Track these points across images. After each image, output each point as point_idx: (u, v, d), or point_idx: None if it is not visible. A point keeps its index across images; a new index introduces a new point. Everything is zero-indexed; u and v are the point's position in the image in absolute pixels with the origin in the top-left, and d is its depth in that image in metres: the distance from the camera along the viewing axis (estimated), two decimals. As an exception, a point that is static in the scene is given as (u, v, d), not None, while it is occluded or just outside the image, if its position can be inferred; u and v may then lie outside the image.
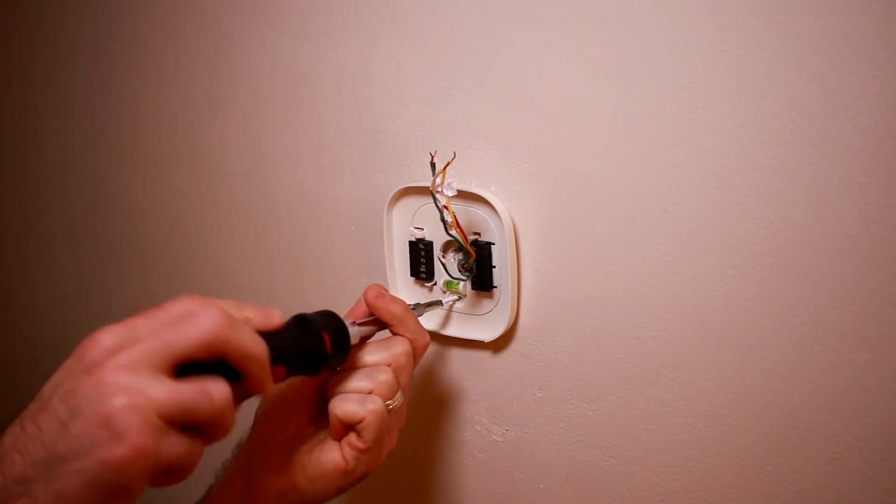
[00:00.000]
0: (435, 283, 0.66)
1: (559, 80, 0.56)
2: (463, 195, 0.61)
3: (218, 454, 0.57)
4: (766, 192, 0.50)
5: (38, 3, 0.99)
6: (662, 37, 0.51)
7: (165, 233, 0.91)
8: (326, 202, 0.74)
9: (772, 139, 0.49)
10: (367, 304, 0.56)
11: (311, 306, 0.79)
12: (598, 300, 0.58)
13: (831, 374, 0.50)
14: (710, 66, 0.50)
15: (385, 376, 0.53)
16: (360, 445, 0.52)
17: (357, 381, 0.53)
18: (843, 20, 0.45)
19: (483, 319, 0.64)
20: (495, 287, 0.62)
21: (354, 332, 0.53)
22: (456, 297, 0.64)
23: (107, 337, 0.40)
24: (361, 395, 0.52)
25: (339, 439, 0.53)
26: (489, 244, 0.61)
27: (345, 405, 0.52)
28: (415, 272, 0.66)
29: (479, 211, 0.61)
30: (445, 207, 0.58)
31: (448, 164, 0.57)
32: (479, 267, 0.62)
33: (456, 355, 0.68)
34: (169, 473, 0.40)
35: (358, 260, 0.73)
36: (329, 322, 0.51)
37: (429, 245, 0.65)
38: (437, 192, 0.57)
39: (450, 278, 0.64)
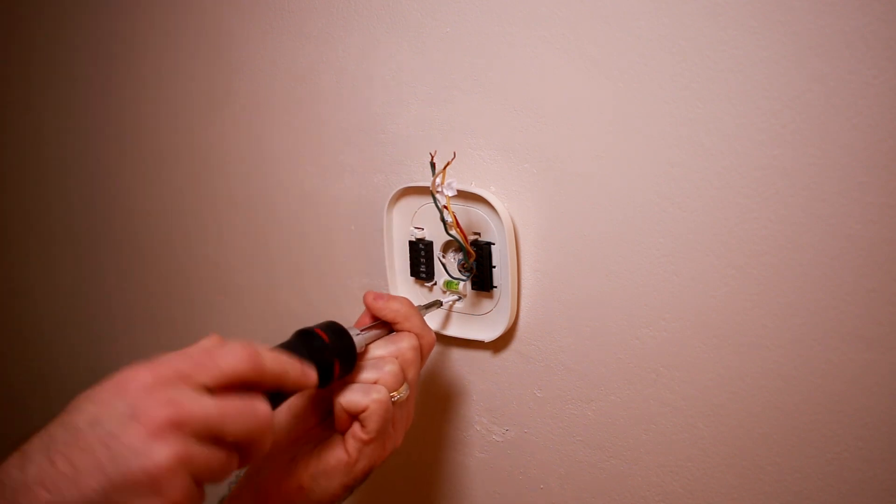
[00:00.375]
0: (435, 283, 0.66)
1: (559, 80, 0.56)
2: (463, 195, 0.61)
3: None
4: (766, 192, 0.50)
5: (38, 3, 0.99)
6: (662, 37, 0.51)
7: (165, 233, 0.91)
8: (326, 202, 0.74)
9: (772, 139, 0.49)
10: (368, 308, 0.56)
11: (310, 306, 0.79)
12: (598, 300, 0.58)
13: (831, 374, 0.50)
14: (710, 66, 0.50)
15: (390, 367, 0.53)
16: (364, 436, 0.52)
17: (363, 373, 0.53)
18: (843, 20, 0.45)
19: (483, 319, 0.64)
20: (495, 287, 0.62)
21: (360, 341, 0.53)
22: (456, 297, 0.64)
23: (160, 388, 0.39)
24: (366, 385, 0.52)
25: (343, 431, 0.53)
26: (489, 244, 0.61)
27: (349, 395, 0.52)
28: (415, 272, 0.66)
29: (479, 211, 0.61)
30: (445, 207, 0.58)
31: (448, 164, 0.57)
32: (479, 267, 0.62)
33: (456, 355, 0.68)
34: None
35: (358, 260, 0.73)
36: (337, 343, 0.51)
37: (429, 245, 0.65)
38: (437, 192, 0.57)
39: (450, 278, 0.64)
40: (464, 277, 0.63)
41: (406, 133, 0.66)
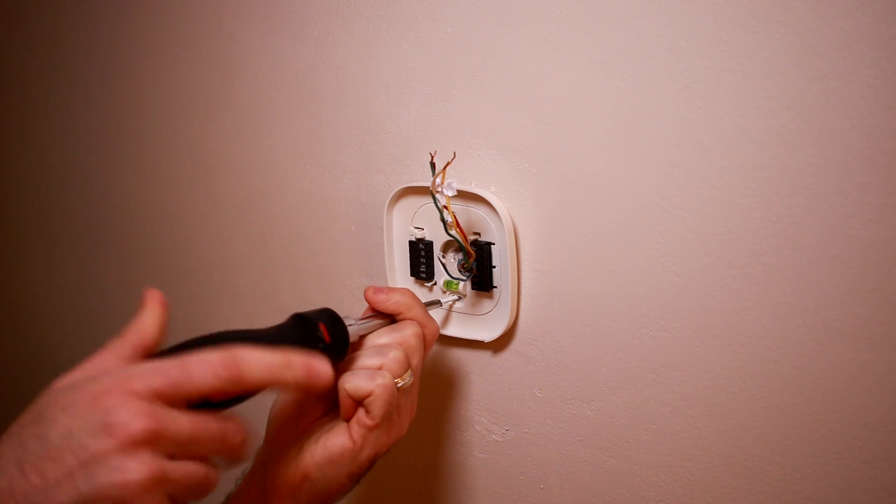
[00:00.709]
0: (435, 283, 0.66)
1: (559, 80, 0.56)
2: (463, 195, 0.61)
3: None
4: (766, 192, 0.50)
5: (38, 3, 0.99)
6: (662, 37, 0.51)
7: (166, 232, 0.91)
8: (326, 202, 0.74)
9: (772, 139, 0.49)
10: (368, 301, 0.57)
11: (311, 306, 0.78)
12: (598, 300, 0.58)
13: (831, 374, 0.50)
14: (710, 66, 0.50)
15: (395, 353, 0.53)
16: (368, 422, 0.51)
17: (366, 359, 0.53)
18: (843, 20, 0.45)
19: (483, 319, 0.64)
20: (495, 287, 0.62)
21: (354, 330, 0.53)
22: (456, 297, 0.64)
23: (132, 402, 0.38)
24: (370, 371, 0.52)
25: (348, 418, 0.53)
26: (489, 244, 0.61)
27: (354, 380, 0.51)
28: (415, 272, 0.66)
29: (479, 211, 0.61)
30: (445, 207, 0.58)
31: (448, 163, 0.57)
32: (479, 267, 0.62)
33: (456, 355, 0.68)
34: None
35: (358, 260, 0.73)
36: (324, 314, 0.51)
37: (429, 245, 0.65)
38: (437, 192, 0.57)
39: (450, 278, 0.64)
40: (464, 277, 0.63)
41: (406, 133, 0.66)
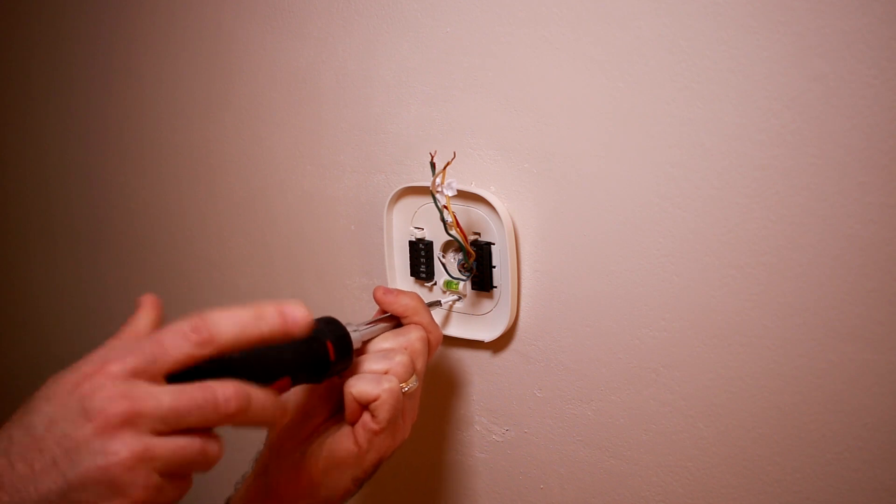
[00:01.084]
0: (435, 283, 0.66)
1: (559, 79, 0.56)
2: (463, 195, 0.61)
3: (238, 465, 0.57)
4: (766, 192, 0.50)
5: (38, 3, 0.99)
6: (662, 37, 0.51)
7: (166, 232, 0.91)
8: (326, 202, 0.74)
9: (772, 139, 0.49)
10: (378, 302, 0.57)
11: (311, 306, 0.78)
12: (598, 300, 0.58)
13: (831, 374, 0.50)
14: (710, 66, 0.50)
15: (400, 357, 0.53)
16: (374, 426, 0.51)
17: (372, 363, 0.53)
18: (843, 20, 0.45)
19: (483, 319, 0.64)
20: (495, 287, 0.62)
21: (356, 337, 0.52)
22: (456, 297, 0.64)
23: (109, 385, 0.39)
24: (377, 375, 0.52)
25: (353, 422, 0.52)
26: (489, 244, 0.61)
27: (360, 384, 0.51)
28: (415, 272, 0.66)
29: (479, 211, 0.61)
30: (445, 207, 0.58)
31: (448, 163, 0.57)
32: (479, 267, 0.62)
33: (456, 355, 0.68)
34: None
35: (358, 260, 0.73)
36: (331, 329, 0.50)
37: (429, 245, 0.65)
38: (437, 191, 0.57)
39: (450, 278, 0.64)
40: (464, 277, 0.63)
41: (406, 133, 0.66)
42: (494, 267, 0.61)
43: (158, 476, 0.38)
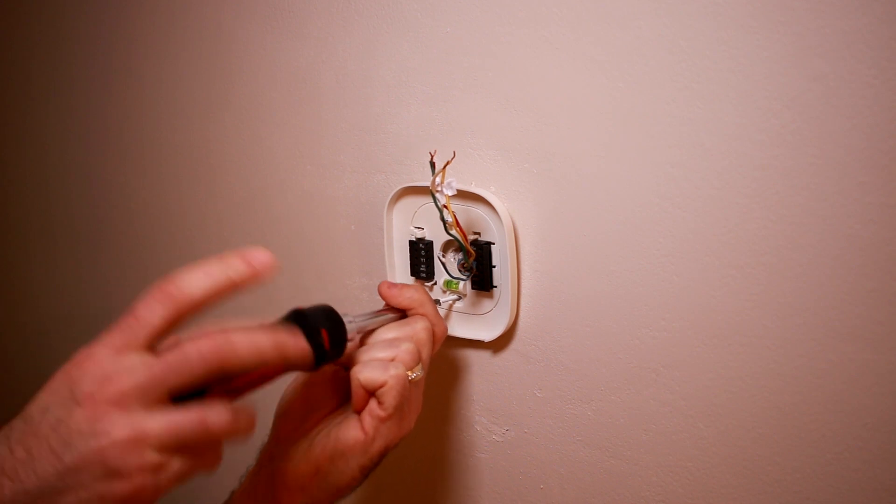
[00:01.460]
0: (435, 283, 0.66)
1: (559, 79, 0.56)
2: (463, 195, 0.61)
3: (242, 458, 0.57)
4: (766, 192, 0.50)
5: (38, 3, 0.99)
6: (662, 37, 0.51)
7: (166, 232, 0.91)
8: (326, 202, 0.74)
9: (772, 139, 0.49)
10: (383, 297, 0.57)
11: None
12: (598, 300, 0.58)
13: (831, 374, 0.50)
14: (710, 66, 0.50)
15: (406, 345, 0.54)
16: (381, 413, 0.52)
17: (379, 351, 0.53)
18: (843, 20, 0.45)
19: (483, 319, 0.64)
20: (495, 287, 0.62)
21: (352, 328, 0.52)
22: (456, 296, 0.64)
23: (94, 366, 0.40)
24: (384, 362, 0.52)
25: (360, 410, 0.53)
26: (489, 244, 0.61)
27: (367, 371, 0.52)
28: (415, 272, 0.66)
29: (478, 211, 0.61)
30: (445, 207, 0.58)
31: (448, 163, 0.57)
32: (478, 267, 0.62)
33: (456, 355, 0.68)
34: (183, 479, 0.41)
35: (358, 259, 0.73)
36: (326, 318, 0.50)
37: (429, 245, 0.65)
38: (437, 191, 0.57)
39: (450, 278, 0.64)
40: (464, 277, 0.63)
41: (406, 133, 0.66)
42: (494, 267, 0.61)
43: (157, 454, 0.39)
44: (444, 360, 0.69)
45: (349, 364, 0.54)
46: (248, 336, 0.43)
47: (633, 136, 0.54)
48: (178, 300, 0.41)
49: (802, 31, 0.46)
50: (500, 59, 0.59)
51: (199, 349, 0.40)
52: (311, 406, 0.56)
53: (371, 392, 0.52)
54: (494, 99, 0.60)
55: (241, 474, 0.57)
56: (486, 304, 0.63)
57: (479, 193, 0.60)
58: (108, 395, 0.38)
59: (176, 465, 0.40)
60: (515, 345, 0.64)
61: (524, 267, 0.62)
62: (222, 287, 0.42)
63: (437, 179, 0.57)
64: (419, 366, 0.54)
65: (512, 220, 0.61)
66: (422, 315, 0.57)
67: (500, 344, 0.65)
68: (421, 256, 0.65)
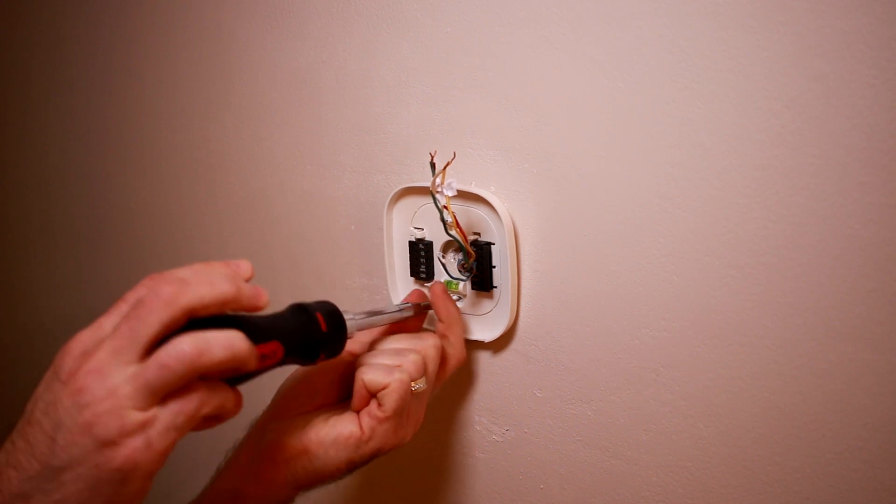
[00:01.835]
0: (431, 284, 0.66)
1: (559, 79, 0.56)
2: (463, 195, 0.61)
3: (231, 435, 0.57)
4: (766, 192, 0.50)
5: (38, 3, 0.99)
6: (662, 37, 0.51)
7: (166, 232, 0.91)
8: (326, 202, 0.74)
9: (772, 139, 0.49)
10: (433, 294, 0.60)
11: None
12: (598, 300, 0.58)
13: (831, 374, 0.50)
14: (710, 66, 0.50)
15: (413, 356, 0.55)
16: (380, 414, 0.52)
17: (385, 358, 0.54)
18: (843, 20, 0.45)
19: (483, 319, 0.64)
20: (495, 287, 0.62)
21: (352, 325, 0.53)
22: (456, 297, 0.64)
23: (75, 345, 0.41)
24: (389, 367, 0.53)
25: (360, 409, 0.54)
26: (489, 244, 0.61)
27: (371, 372, 0.53)
28: (415, 272, 0.66)
29: (478, 211, 0.61)
30: (445, 207, 0.58)
31: (448, 163, 0.57)
32: (478, 267, 0.62)
33: (456, 355, 0.68)
34: (201, 426, 0.42)
35: (358, 260, 0.73)
36: (322, 307, 0.51)
37: (429, 245, 0.65)
38: (437, 191, 0.57)
39: (450, 278, 0.64)
40: (464, 277, 0.63)
41: (406, 133, 0.66)
42: (494, 267, 0.61)
43: (138, 411, 0.39)
44: (444, 360, 0.69)
45: (355, 365, 0.55)
46: (202, 270, 0.43)
47: (633, 136, 0.54)
48: (177, 311, 0.41)
49: (802, 31, 0.46)
50: (500, 59, 0.59)
51: (152, 293, 0.41)
52: (315, 391, 0.57)
53: (373, 393, 0.53)
54: (494, 99, 0.60)
55: (227, 449, 0.57)
56: (486, 304, 0.63)
57: (479, 194, 0.60)
58: (88, 366, 0.39)
59: (164, 417, 0.40)
60: (515, 345, 0.64)
61: (524, 267, 0.62)
62: (212, 301, 0.42)
63: (438, 180, 0.57)
64: (423, 378, 0.54)
65: (512, 221, 0.61)
66: (442, 335, 0.59)
67: (500, 344, 0.65)
68: (421, 257, 0.65)
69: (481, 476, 0.69)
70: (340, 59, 0.69)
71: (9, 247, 1.17)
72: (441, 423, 0.70)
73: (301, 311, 0.50)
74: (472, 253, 0.61)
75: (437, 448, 0.71)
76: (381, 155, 0.68)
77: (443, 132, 0.64)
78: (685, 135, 0.52)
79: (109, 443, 0.38)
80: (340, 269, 0.74)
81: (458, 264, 0.64)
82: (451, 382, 0.69)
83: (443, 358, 0.59)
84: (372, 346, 0.58)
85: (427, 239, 0.65)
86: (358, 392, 0.53)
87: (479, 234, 0.62)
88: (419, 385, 0.54)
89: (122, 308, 0.43)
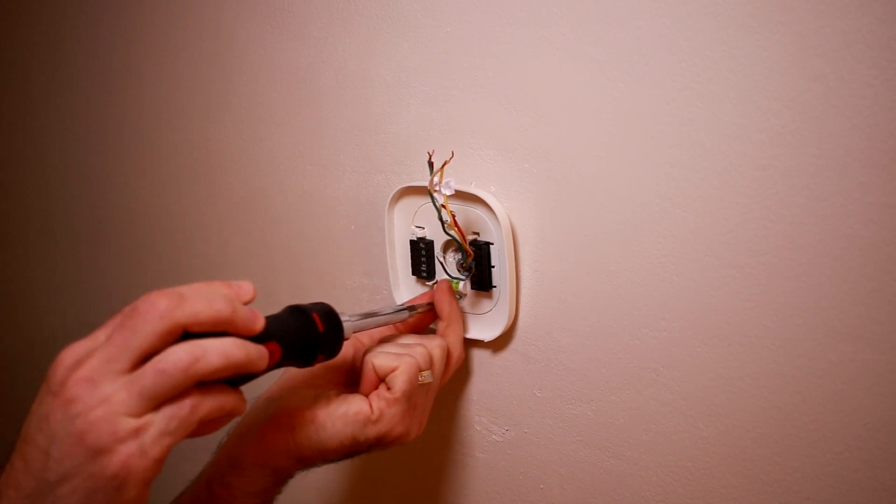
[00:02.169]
0: (436, 282, 0.66)
1: (559, 80, 0.56)
2: (461, 195, 0.61)
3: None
4: (766, 192, 0.50)
5: (38, 3, 0.99)
6: (662, 37, 0.51)
7: (166, 233, 0.91)
8: (326, 202, 0.74)
9: (772, 139, 0.49)
10: (437, 290, 0.61)
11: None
12: (598, 300, 0.58)
13: (831, 374, 0.50)
14: (710, 66, 0.50)
15: (420, 349, 0.56)
16: (389, 396, 0.53)
17: (394, 347, 0.56)
18: (843, 20, 0.45)
19: (483, 319, 0.64)
20: (494, 287, 0.62)
21: (349, 326, 0.53)
22: (456, 296, 0.64)
23: (67, 355, 0.41)
24: (398, 353, 0.55)
25: (367, 393, 0.54)
26: (488, 244, 0.61)
27: (381, 357, 0.54)
28: (416, 271, 0.66)
29: (477, 211, 0.61)
30: (443, 206, 0.58)
31: (446, 163, 0.57)
32: (477, 266, 0.62)
33: (456, 355, 0.68)
34: (203, 429, 0.42)
35: (358, 260, 0.73)
36: (318, 307, 0.51)
37: (429, 244, 0.65)
38: (435, 191, 0.57)
39: (449, 278, 0.64)
40: (463, 277, 0.63)
41: (406, 133, 0.66)
42: (493, 266, 0.61)
43: (131, 418, 0.39)
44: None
45: (364, 354, 0.56)
46: (200, 288, 0.43)
47: (633, 136, 0.54)
48: (171, 325, 0.41)
49: (802, 31, 0.46)
50: (500, 59, 0.59)
51: (149, 305, 0.41)
52: (327, 368, 0.58)
53: (381, 378, 0.54)
54: (494, 99, 0.60)
55: (228, 425, 0.57)
56: (486, 303, 0.63)
57: (477, 194, 0.60)
58: (78, 376, 0.39)
59: (158, 423, 0.40)
60: (515, 345, 0.64)
61: (524, 267, 0.62)
62: (208, 318, 0.42)
63: (436, 179, 0.57)
64: (429, 371, 0.55)
65: (510, 221, 0.61)
66: (442, 333, 0.60)
67: (499, 344, 0.65)
68: (422, 256, 0.65)
69: (481, 476, 0.69)
70: (340, 59, 0.69)
71: (9, 247, 1.17)
72: (441, 423, 0.70)
73: (298, 313, 0.50)
74: (471, 252, 0.61)
75: (437, 448, 0.71)
76: (381, 155, 0.68)
77: (443, 132, 0.64)
78: (685, 135, 0.52)
79: (103, 450, 0.38)
80: (340, 269, 0.74)
81: (457, 264, 0.64)
82: (451, 382, 0.69)
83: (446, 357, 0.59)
84: (380, 343, 0.59)
85: (428, 238, 0.65)
86: (367, 375, 0.54)
87: (478, 233, 0.62)
88: (426, 376, 0.55)
89: (117, 320, 0.43)
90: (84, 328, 0.42)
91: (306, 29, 0.71)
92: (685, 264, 0.54)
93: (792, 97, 0.47)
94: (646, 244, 0.55)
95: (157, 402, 0.40)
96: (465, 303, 0.64)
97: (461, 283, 0.63)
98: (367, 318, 0.56)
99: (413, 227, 0.65)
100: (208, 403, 0.41)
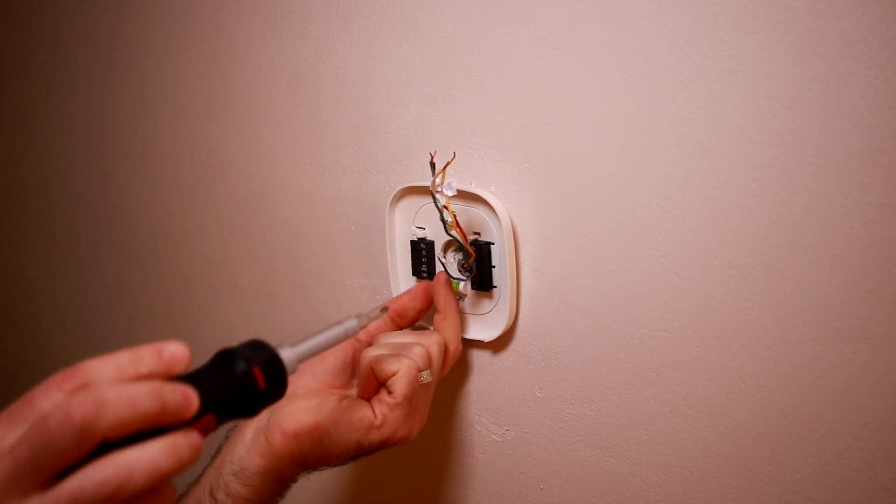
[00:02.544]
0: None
1: (559, 80, 0.56)
2: (463, 195, 0.61)
3: None
4: (766, 192, 0.50)
5: (38, 3, 0.99)
6: (662, 37, 0.51)
7: (166, 233, 0.91)
8: (327, 202, 0.74)
9: (772, 139, 0.49)
10: (435, 283, 0.61)
11: (311, 306, 0.79)
12: (598, 300, 0.58)
13: (831, 374, 0.50)
14: (710, 66, 0.50)
15: (419, 349, 0.55)
16: (391, 401, 0.53)
17: (392, 348, 0.55)
18: (843, 20, 0.45)
19: (483, 319, 0.64)
20: (495, 287, 0.62)
21: (291, 358, 0.45)
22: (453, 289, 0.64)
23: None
24: (396, 355, 0.54)
25: (367, 397, 0.54)
26: (489, 244, 0.61)
27: (380, 361, 0.53)
28: (416, 271, 0.66)
29: (478, 211, 0.61)
30: (445, 207, 0.58)
31: (448, 163, 0.57)
32: (478, 267, 0.62)
33: (456, 355, 0.68)
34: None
35: (358, 260, 0.73)
36: (257, 354, 0.43)
37: (430, 244, 0.65)
38: (437, 191, 0.57)
39: (450, 278, 0.64)
40: (463, 277, 0.63)
41: (406, 133, 0.66)
42: (494, 267, 0.61)
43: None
44: (444, 360, 0.69)
45: (360, 356, 0.55)
46: (122, 390, 0.36)
47: (633, 136, 0.54)
48: (90, 441, 0.35)
49: (802, 31, 0.46)
50: (500, 59, 0.59)
51: (62, 416, 0.34)
52: (327, 371, 0.58)
53: (381, 382, 0.53)
54: (494, 99, 0.60)
55: (228, 428, 0.57)
56: (486, 304, 0.63)
57: (479, 194, 0.60)
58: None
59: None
60: (515, 345, 0.64)
61: (524, 267, 0.62)
62: (146, 422, 0.36)
63: (437, 180, 0.57)
64: (428, 371, 0.55)
65: (511, 221, 0.61)
66: (438, 326, 0.60)
67: (499, 344, 0.65)
68: (422, 256, 0.65)
69: (481, 476, 0.69)
70: (340, 59, 0.69)
71: (9, 247, 1.16)
72: (441, 423, 0.70)
73: (231, 365, 0.42)
74: (472, 252, 0.61)
75: (437, 448, 0.71)
76: (381, 155, 0.68)
77: (443, 132, 0.64)
78: (685, 135, 0.52)
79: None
80: (340, 269, 0.74)
81: (458, 264, 0.64)
82: (451, 382, 0.69)
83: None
84: (375, 340, 0.58)
85: (429, 238, 0.65)
86: (367, 380, 0.53)
87: (478, 233, 0.62)
88: (425, 376, 0.54)
89: (26, 413, 0.37)
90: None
91: (306, 29, 0.71)
92: (685, 264, 0.54)
93: (792, 97, 0.47)
94: (646, 244, 0.55)
95: None
96: (465, 303, 0.64)
97: (462, 284, 0.63)
98: (309, 339, 0.48)
99: (414, 228, 0.65)
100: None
